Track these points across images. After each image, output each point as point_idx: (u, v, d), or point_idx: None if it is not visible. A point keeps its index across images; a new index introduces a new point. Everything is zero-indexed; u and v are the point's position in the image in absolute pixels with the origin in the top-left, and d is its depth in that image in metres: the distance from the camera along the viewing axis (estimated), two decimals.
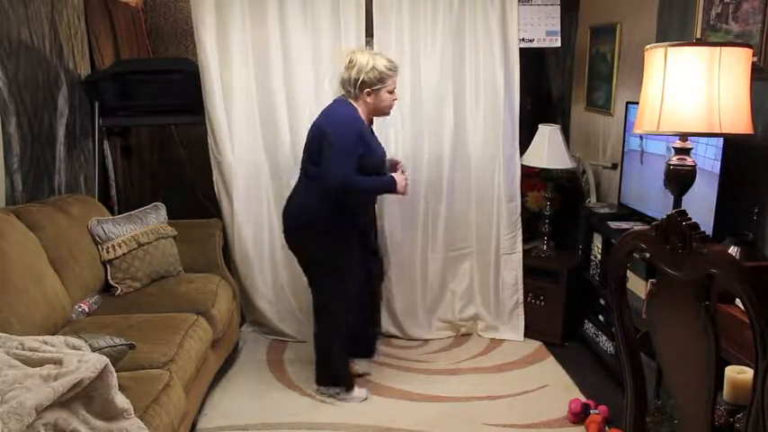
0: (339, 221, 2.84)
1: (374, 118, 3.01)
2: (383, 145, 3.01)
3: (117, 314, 2.79)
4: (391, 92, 2.85)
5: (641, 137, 3.08)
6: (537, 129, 3.69)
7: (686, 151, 2.26)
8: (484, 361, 3.49)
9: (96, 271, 3.02)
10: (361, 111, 2.86)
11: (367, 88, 2.80)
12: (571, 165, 3.67)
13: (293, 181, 3.06)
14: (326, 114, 2.87)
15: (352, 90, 2.82)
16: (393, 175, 2.88)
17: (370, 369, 3.31)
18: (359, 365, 3.26)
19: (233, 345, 3.40)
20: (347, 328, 3.02)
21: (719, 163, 2.50)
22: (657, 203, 2.96)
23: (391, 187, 2.86)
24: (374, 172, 2.85)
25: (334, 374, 3.05)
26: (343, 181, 2.72)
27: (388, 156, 3.08)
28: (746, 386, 1.56)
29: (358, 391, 3.06)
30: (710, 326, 1.35)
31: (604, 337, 3.30)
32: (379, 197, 3.40)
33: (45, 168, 3.18)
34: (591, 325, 3.47)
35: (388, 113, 2.96)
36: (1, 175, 2.80)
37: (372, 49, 3.47)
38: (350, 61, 2.81)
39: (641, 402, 1.65)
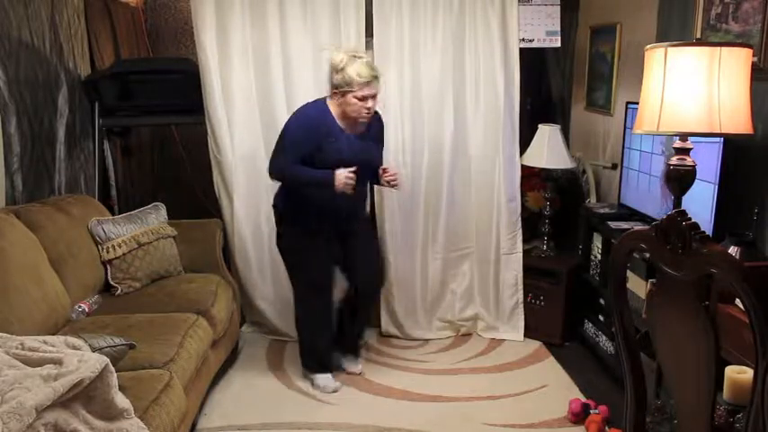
0: (293, 211, 3.00)
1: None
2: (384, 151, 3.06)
3: (117, 314, 2.79)
4: (362, 99, 2.78)
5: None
6: (537, 129, 3.69)
7: (686, 151, 2.26)
8: (484, 361, 3.49)
9: (96, 271, 3.02)
10: (334, 111, 2.89)
11: (335, 89, 2.82)
12: (571, 165, 3.67)
13: None
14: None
15: (329, 88, 2.88)
16: (337, 171, 2.80)
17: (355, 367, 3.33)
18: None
19: (233, 345, 3.40)
20: (316, 318, 3.15)
21: (719, 163, 2.50)
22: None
23: (328, 181, 2.80)
24: (333, 167, 2.82)
25: (304, 360, 3.25)
26: (278, 170, 2.91)
27: (386, 164, 3.09)
28: (746, 386, 1.56)
29: (322, 378, 3.16)
30: (710, 326, 1.35)
31: (604, 337, 3.30)
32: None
33: (45, 168, 3.18)
34: (591, 325, 3.47)
35: (357, 119, 2.85)
36: (1, 175, 2.80)
37: (371, 49, 3.48)
38: (330, 60, 2.86)
39: (641, 402, 1.65)
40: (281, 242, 3.13)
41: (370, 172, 3.00)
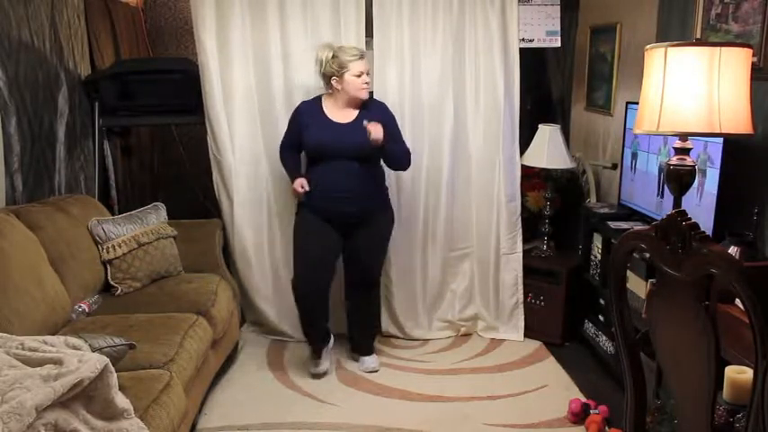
0: (307, 195, 3.15)
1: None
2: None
3: (117, 314, 2.79)
4: (359, 75, 3.06)
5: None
6: (537, 129, 3.69)
7: (686, 151, 2.26)
8: (484, 361, 3.49)
9: (96, 271, 3.02)
10: (336, 99, 3.14)
11: (334, 77, 3.08)
12: (571, 165, 3.67)
13: None
14: None
15: (324, 84, 3.15)
16: (299, 179, 3.13)
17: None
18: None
19: (233, 345, 3.40)
20: (303, 301, 3.24)
21: (719, 163, 2.50)
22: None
23: (292, 179, 3.19)
24: (315, 153, 3.13)
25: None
26: (279, 151, 3.31)
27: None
28: (746, 386, 1.56)
29: (315, 364, 3.31)
30: (710, 326, 1.35)
31: (604, 337, 3.30)
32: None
33: (45, 168, 3.18)
34: (591, 325, 3.47)
35: (360, 96, 3.10)
36: (1, 174, 2.80)
37: (371, 49, 3.49)
38: (315, 59, 3.13)
39: (641, 402, 1.65)
40: None
41: (373, 159, 3.15)
